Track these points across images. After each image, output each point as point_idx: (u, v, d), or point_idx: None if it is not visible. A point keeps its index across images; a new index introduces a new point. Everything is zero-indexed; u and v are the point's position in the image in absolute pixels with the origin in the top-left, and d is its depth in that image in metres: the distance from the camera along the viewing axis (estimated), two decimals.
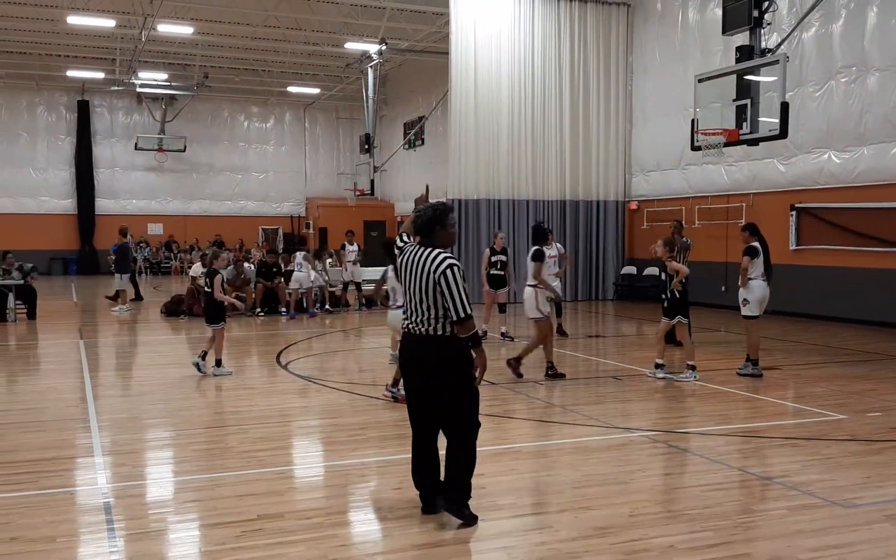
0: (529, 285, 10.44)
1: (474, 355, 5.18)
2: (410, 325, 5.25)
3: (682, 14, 20.56)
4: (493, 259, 14.32)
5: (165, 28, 26.80)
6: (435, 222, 5.27)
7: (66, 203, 36.17)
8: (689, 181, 20.51)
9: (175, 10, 25.76)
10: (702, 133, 13.69)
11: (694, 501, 5.71)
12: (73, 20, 25.88)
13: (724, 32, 13.89)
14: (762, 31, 13.05)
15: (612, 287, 22.71)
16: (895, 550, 4.80)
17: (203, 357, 10.85)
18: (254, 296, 18.79)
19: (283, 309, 18.49)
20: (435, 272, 5.07)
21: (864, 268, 15.92)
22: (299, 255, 19.38)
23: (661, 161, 21.57)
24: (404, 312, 5.38)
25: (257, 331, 16.34)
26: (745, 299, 10.72)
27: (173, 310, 18.33)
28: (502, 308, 14.52)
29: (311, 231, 38.75)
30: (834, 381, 10.37)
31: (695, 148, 14.25)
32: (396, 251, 5.53)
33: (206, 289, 11.01)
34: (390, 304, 9.77)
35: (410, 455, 5.47)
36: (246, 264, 20.44)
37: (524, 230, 21.84)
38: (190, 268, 22.10)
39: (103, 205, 36.69)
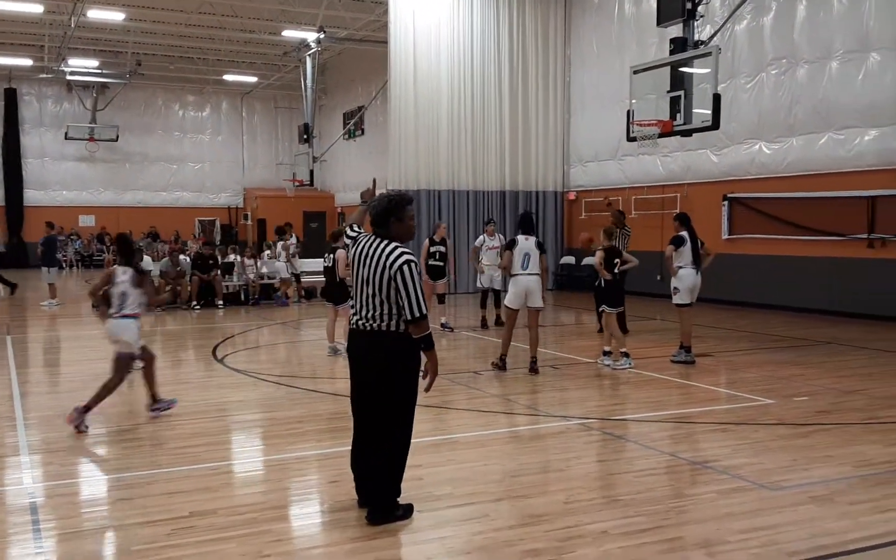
0: (534, 274, 10.13)
1: (425, 358, 5.00)
2: (360, 321, 5.04)
3: (618, 6, 20.82)
4: (433, 249, 14.30)
5: (96, 14, 26.01)
6: (390, 214, 5.05)
7: None
8: (626, 172, 20.82)
9: None
10: (637, 124, 13.89)
11: (628, 487, 5.80)
12: None
13: (658, 24, 14.10)
14: (695, 23, 13.28)
15: (552, 276, 22.93)
16: (820, 531, 4.95)
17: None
18: (189, 289, 18.43)
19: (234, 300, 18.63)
20: (391, 267, 4.87)
21: (794, 256, 16.40)
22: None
23: (598, 152, 21.85)
24: (352, 306, 5.17)
25: (193, 325, 16.05)
26: (675, 288, 10.97)
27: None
28: (441, 299, 14.53)
29: (249, 222, 38.17)
30: (764, 366, 10.66)
31: (630, 139, 14.45)
32: (348, 241, 5.31)
33: None
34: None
35: (350, 446, 5.34)
36: (181, 256, 20.04)
37: (464, 220, 21.92)
38: None
39: (32, 196, 35.52)
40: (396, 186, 21.39)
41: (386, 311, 4.91)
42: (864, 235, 15.05)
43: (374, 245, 5.00)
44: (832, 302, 15.63)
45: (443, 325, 14.29)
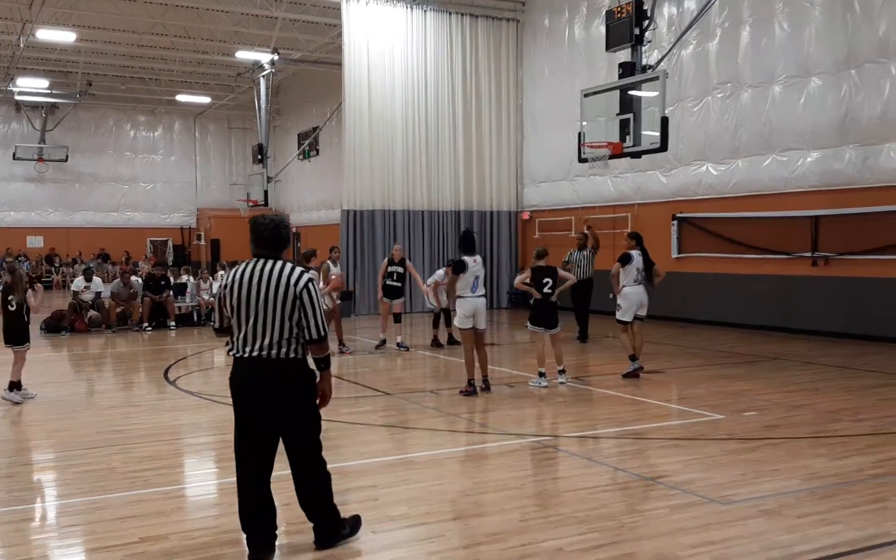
0: (482, 295, 10.12)
1: (319, 379, 4.87)
2: (254, 351, 4.66)
3: (568, 30, 21.18)
4: (391, 269, 14.37)
5: (46, 34, 25.58)
6: (283, 238, 4.81)
7: None
8: (578, 192, 21.12)
9: (56, 16, 24.64)
10: (588, 146, 14.14)
11: (582, 504, 5.87)
12: None
13: (607, 49, 14.40)
14: (643, 48, 13.60)
15: (507, 295, 23.10)
16: (769, 544, 5.06)
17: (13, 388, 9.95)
18: (140, 310, 18.15)
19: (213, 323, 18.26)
20: (296, 286, 4.64)
21: (741, 274, 16.77)
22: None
23: (551, 172, 22.13)
24: (234, 340, 4.78)
25: (144, 346, 15.80)
26: (619, 304, 11.17)
27: (53, 326, 17.48)
28: (397, 318, 14.56)
29: (202, 243, 37.75)
30: (713, 382, 10.87)
31: (582, 160, 14.70)
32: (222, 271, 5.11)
33: (9, 308, 10.02)
34: None
35: (238, 498, 4.91)
36: (133, 277, 19.73)
37: (419, 240, 22.00)
38: (72, 282, 21.14)
39: None
40: (352, 207, 21.43)
41: (286, 337, 4.65)
42: (809, 253, 15.48)
43: (269, 267, 4.69)
44: (778, 318, 16.01)
45: (399, 345, 14.31)
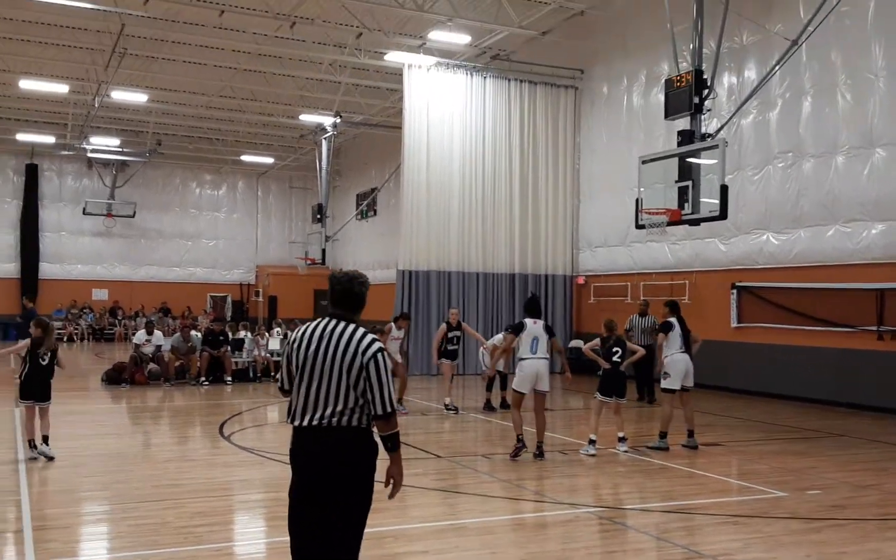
0: (544, 358, 10.11)
1: (391, 460, 4.34)
2: (315, 419, 4.22)
3: (626, 98, 21.26)
4: (451, 334, 14.46)
5: (120, 95, 26.78)
6: (359, 296, 4.42)
7: (8, 267, 35.35)
8: (635, 258, 20.95)
9: (130, 78, 25.81)
10: (646, 212, 14.06)
11: None
12: (26, 85, 25.73)
13: (666, 117, 14.40)
14: (702, 116, 13.56)
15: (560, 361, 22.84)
16: None
17: (36, 443, 9.71)
18: (198, 364, 18.47)
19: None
20: (363, 354, 4.21)
21: (803, 346, 16.33)
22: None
23: (607, 237, 22.03)
24: (293, 404, 4.33)
25: (201, 400, 16.03)
26: (665, 373, 10.97)
27: (114, 378, 17.88)
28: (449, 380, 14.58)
29: (260, 299, 38.42)
30: (775, 458, 10.53)
31: (639, 226, 14.62)
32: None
33: (41, 362, 9.86)
34: None
35: None
36: (192, 332, 20.14)
37: (473, 302, 22.01)
38: (134, 334, 21.67)
39: (47, 269, 35.96)
40: (407, 267, 21.61)
41: (351, 405, 4.21)
42: (874, 327, 15.02)
43: (339, 330, 4.30)
44: (842, 393, 15.50)
45: (447, 406, 14.27)
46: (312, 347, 4.30)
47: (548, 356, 10.13)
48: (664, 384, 11.00)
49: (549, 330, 10.33)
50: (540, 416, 10.17)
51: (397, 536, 6.79)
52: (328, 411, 4.21)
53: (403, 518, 7.36)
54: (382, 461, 4.28)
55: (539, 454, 9.98)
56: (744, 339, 17.54)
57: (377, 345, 4.28)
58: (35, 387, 9.81)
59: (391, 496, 4.35)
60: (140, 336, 19.01)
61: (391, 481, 4.35)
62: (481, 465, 9.80)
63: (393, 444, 4.29)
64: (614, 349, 10.64)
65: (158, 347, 18.66)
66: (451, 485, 8.75)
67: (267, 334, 20.95)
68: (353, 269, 4.56)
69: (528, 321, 10.14)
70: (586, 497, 8.42)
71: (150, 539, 6.58)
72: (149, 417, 14.58)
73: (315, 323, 4.42)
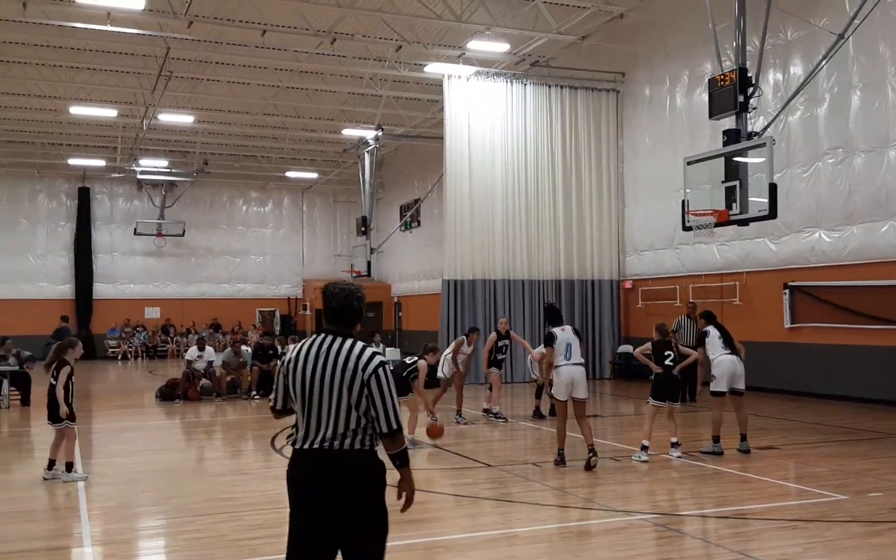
0: (579, 364, 9.97)
1: (400, 476, 4.13)
2: (317, 441, 3.98)
3: (669, 99, 21.05)
4: (500, 343, 14.46)
5: (167, 117, 27.39)
6: (357, 309, 4.16)
7: (63, 288, 36.26)
8: (683, 260, 20.68)
9: (176, 101, 26.37)
10: (692, 214, 13.87)
11: None
12: (76, 111, 26.45)
13: (710, 117, 14.18)
14: (748, 115, 13.34)
15: (609, 366, 22.68)
16: None
17: (50, 467, 9.40)
18: (249, 378, 18.72)
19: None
20: (364, 370, 3.98)
21: (859, 345, 15.94)
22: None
23: (654, 241, 21.79)
24: (298, 424, 4.10)
25: (252, 415, 16.24)
26: (712, 375, 10.81)
27: (168, 394, 18.22)
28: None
29: (308, 313, 38.81)
30: (833, 460, 10.29)
31: (686, 228, 14.42)
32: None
33: (51, 381, 9.41)
34: None
35: None
36: (243, 347, 20.43)
37: (519, 310, 21.94)
38: (186, 351, 22.07)
39: (101, 289, 36.80)
40: (452, 277, 21.63)
41: (352, 427, 3.97)
42: None
43: (336, 346, 4.05)
44: None
45: (492, 413, 14.26)
46: (310, 367, 4.04)
47: (583, 361, 10.04)
48: (712, 387, 10.83)
49: (577, 333, 10.25)
50: (583, 422, 9.93)
51: (448, 547, 6.79)
52: (328, 433, 3.97)
53: (454, 528, 7.36)
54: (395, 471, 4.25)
55: (592, 454, 9.65)
56: (797, 339, 17.19)
57: (378, 358, 4.04)
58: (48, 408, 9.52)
59: (403, 509, 4.14)
60: (192, 352, 19.34)
61: (403, 496, 4.14)
62: (532, 474, 9.75)
63: (402, 461, 4.08)
64: (666, 353, 10.51)
65: (210, 363, 18.96)
66: (502, 493, 8.72)
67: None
68: (349, 282, 4.27)
69: (556, 330, 10.04)
70: (639, 504, 8.32)
71: (207, 552, 6.68)
72: (202, 432, 14.82)
73: (311, 340, 4.15)
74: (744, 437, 10.78)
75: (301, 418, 4.05)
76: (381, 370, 4.00)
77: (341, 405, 3.96)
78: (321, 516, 3.95)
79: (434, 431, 10.93)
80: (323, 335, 4.12)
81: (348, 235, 39.81)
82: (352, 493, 3.94)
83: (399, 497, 4.12)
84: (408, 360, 11.91)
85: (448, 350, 14.63)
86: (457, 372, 14.11)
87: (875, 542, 6.66)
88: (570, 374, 9.82)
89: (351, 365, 3.98)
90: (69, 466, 9.45)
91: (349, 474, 3.95)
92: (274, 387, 4.27)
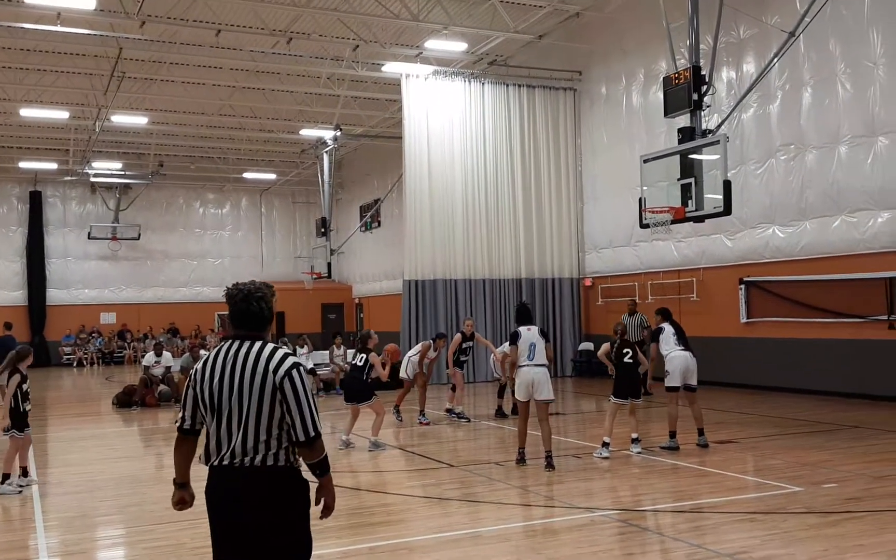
0: (541, 365, 9.86)
1: (319, 484, 3.85)
2: (228, 458, 3.68)
3: (626, 97, 21.26)
4: (465, 345, 14.48)
5: (120, 119, 26.89)
6: (261, 314, 3.85)
7: (16, 295, 35.42)
8: (641, 257, 20.92)
9: (130, 102, 25.92)
10: (649, 211, 14.04)
11: None
12: (27, 113, 25.85)
13: (666, 115, 14.37)
14: (702, 113, 13.54)
15: (571, 363, 22.84)
16: None
17: (3, 480, 9.20)
18: None
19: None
20: (275, 373, 3.66)
21: (812, 338, 16.27)
22: None
23: (612, 238, 22.00)
24: (209, 440, 3.80)
25: None
26: (667, 370, 10.96)
27: (125, 401, 17.91)
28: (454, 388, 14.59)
29: None
30: (789, 452, 10.48)
31: (643, 225, 14.59)
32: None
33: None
34: None
35: None
36: (202, 351, 20.16)
37: (481, 309, 21.99)
38: (143, 357, 21.73)
39: (55, 295, 36.03)
40: (413, 277, 21.59)
41: (265, 439, 3.65)
42: (885, 317, 14.95)
43: (244, 351, 3.74)
44: (855, 384, 15.42)
45: (458, 415, 14.26)
46: (217, 377, 3.73)
47: (546, 363, 9.85)
48: (666, 382, 10.98)
49: (544, 334, 10.08)
50: (544, 425, 9.82)
51: (412, 548, 6.77)
52: (239, 448, 3.65)
53: (418, 529, 7.34)
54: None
55: (548, 465, 9.66)
56: (753, 334, 17.49)
57: (290, 360, 3.72)
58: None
59: (324, 516, 3.88)
60: (149, 358, 19.06)
61: (324, 506, 3.87)
62: (495, 473, 9.77)
63: (322, 470, 3.77)
64: (625, 351, 10.65)
65: (168, 369, 18.70)
66: (466, 493, 8.72)
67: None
68: (250, 283, 3.92)
69: (522, 329, 9.90)
70: (601, 500, 8.39)
71: None
72: (161, 439, 14.58)
73: (218, 348, 3.85)
74: (701, 432, 10.93)
75: (213, 434, 3.74)
76: (294, 372, 3.69)
77: (250, 415, 3.64)
78: (236, 539, 3.70)
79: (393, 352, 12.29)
80: (230, 341, 3.82)
81: (308, 237, 39.52)
82: (266, 515, 3.63)
83: (317, 504, 3.86)
84: (357, 362, 11.74)
85: (413, 351, 14.61)
86: (420, 373, 14.12)
87: (830, 533, 6.79)
88: (530, 376, 9.71)
89: (260, 369, 3.67)
90: (5, 477, 9.24)
91: (263, 494, 3.64)
92: (181, 404, 3.93)
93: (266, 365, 3.67)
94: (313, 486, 3.83)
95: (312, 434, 3.67)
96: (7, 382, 9.33)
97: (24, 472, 9.49)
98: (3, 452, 9.45)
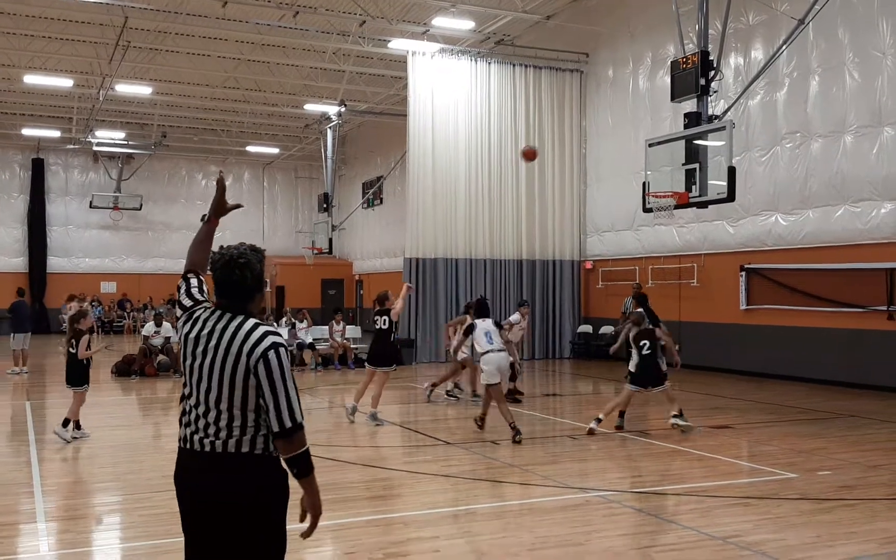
0: (502, 350, 10.67)
1: (303, 489, 3.30)
2: (197, 436, 3.28)
3: (632, 81, 21.16)
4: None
5: (124, 88, 26.79)
6: (245, 282, 3.38)
7: (17, 261, 35.47)
8: (643, 242, 20.90)
9: (134, 71, 25.81)
10: (653, 195, 14.01)
11: None
12: (31, 80, 25.76)
13: (672, 100, 14.31)
14: (709, 98, 13.48)
15: (569, 345, 22.88)
16: None
17: (65, 424, 10.26)
18: None
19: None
20: (249, 355, 3.20)
21: (813, 327, 16.28)
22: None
23: (615, 222, 21.98)
24: (184, 414, 3.38)
25: None
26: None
27: (124, 370, 17.97)
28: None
29: (268, 289, 38.49)
30: (785, 439, 10.52)
31: (646, 210, 14.57)
32: (180, 312, 3.58)
33: (70, 350, 10.61)
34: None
35: None
36: None
37: (481, 289, 21.99)
38: (143, 327, 21.75)
39: (56, 263, 36.08)
40: (414, 255, 21.57)
41: (239, 423, 3.23)
42: (884, 307, 14.96)
43: (223, 325, 3.31)
44: (853, 374, 15.45)
45: (448, 393, 14.30)
46: (200, 346, 3.32)
47: (504, 347, 10.74)
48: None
49: (498, 325, 11.14)
50: (502, 404, 10.49)
51: (407, 522, 6.82)
52: (212, 431, 3.25)
53: (413, 504, 7.38)
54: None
55: (516, 433, 10.07)
56: (753, 321, 17.50)
57: (268, 340, 3.23)
58: (68, 373, 10.73)
59: (306, 534, 3.33)
60: (149, 328, 19.08)
61: (308, 513, 3.33)
62: (490, 451, 9.81)
63: (301, 468, 3.23)
64: (643, 342, 10.75)
65: (167, 339, 18.73)
66: (461, 470, 8.77)
67: (275, 324, 20.96)
68: (237, 245, 3.44)
69: (478, 321, 10.84)
70: (596, 481, 8.43)
71: (163, 528, 6.60)
72: (159, 408, 14.65)
73: (208, 313, 3.42)
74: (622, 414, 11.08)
75: (186, 410, 3.35)
76: (270, 353, 3.20)
77: (223, 398, 3.22)
78: (203, 530, 3.29)
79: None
80: (214, 311, 3.40)
81: (310, 212, 39.50)
82: (235, 507, 3.20)
83: (302, 518, 3.34)
84: (382, 325, 11.77)
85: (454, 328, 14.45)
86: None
87: (824, 519, 6.83)
88: (497, 360, 10.44)
89: (234, 350, 3.22)
90: (77, 425, 10.43)
91: (232, 482, 3.20)
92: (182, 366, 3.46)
93: (241, 345, 3.22)
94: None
95: (289, 424, 3.18)
96: (77, 343, 10.42)
97: (77, 425, 10.42)
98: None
